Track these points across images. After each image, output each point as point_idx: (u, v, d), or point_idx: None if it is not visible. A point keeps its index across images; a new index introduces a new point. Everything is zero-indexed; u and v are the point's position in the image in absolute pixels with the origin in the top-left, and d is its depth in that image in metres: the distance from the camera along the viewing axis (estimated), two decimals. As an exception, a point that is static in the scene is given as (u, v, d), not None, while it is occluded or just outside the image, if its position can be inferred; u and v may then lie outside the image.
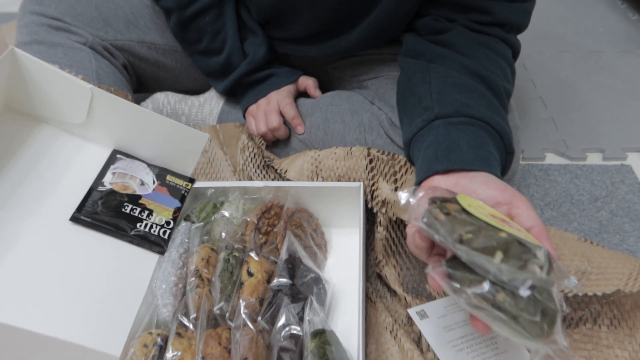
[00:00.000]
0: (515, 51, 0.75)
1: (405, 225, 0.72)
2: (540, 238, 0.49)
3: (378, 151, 0.74)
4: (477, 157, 0.58)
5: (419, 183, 0.59)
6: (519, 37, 0.76)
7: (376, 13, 0.76)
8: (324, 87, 0.93)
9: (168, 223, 0.70)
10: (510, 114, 0.81)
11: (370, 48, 0.86)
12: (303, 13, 0.79)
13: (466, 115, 0.61)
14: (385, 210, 0.70)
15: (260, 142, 0.86)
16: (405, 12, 0.76)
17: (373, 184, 0.73)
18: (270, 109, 0.87)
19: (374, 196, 0.72)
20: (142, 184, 0.73)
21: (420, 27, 0.76)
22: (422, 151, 0.62)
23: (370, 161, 0.74)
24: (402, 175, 0.72)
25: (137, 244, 0.67)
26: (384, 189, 0.71)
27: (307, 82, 0.91)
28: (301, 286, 0.64)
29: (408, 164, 0.72)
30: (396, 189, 0.72)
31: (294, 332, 0.58)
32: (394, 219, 0.69)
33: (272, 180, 0.81)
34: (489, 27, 0.71)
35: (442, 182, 0.57)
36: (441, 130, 0.61)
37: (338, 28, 0.81)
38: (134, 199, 0.71)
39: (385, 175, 0.72)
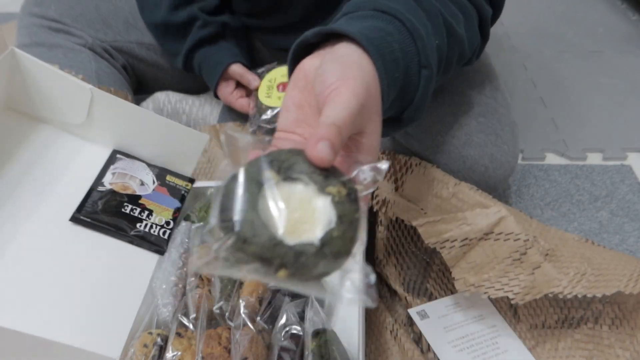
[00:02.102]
0: (481, 16, 0.63)
1: (405, 225, 0.72)
2: (322, 132, 0.37)
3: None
4: (362, 31, 0.45)
5: (290, 73, 0.48)
6: (520, 35, 0.75)
7: None
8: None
9: (168, 223, 0.70)
10: (506, 109, 0.79)
11: None
12: None
13: (371, 9, 0.50)
14: (385, 210, 0.70)
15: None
16: None
17: (373, 184, 0.73)
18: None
19: (374, 195, 0.72)
20: (142, 184, 0.73)
21: None
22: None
23: (371, 161, 0.73)
24: (402, 174, 0.72)
25: (137, 244, 0.67)
26: (384, 189, 0.71)
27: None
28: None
29: (408, 164, 0.72)
30: (397, 189, 0.72)
31: (295, 331, 0.58)
32: (394, 218, 0.69)
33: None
34: None
35: (308, 64, 0.46)
36: (340, 23, 0.50)
37: (325, 7, 0.82)
38: (134, 199, 0.71)
39: (386, 175, 0.73)
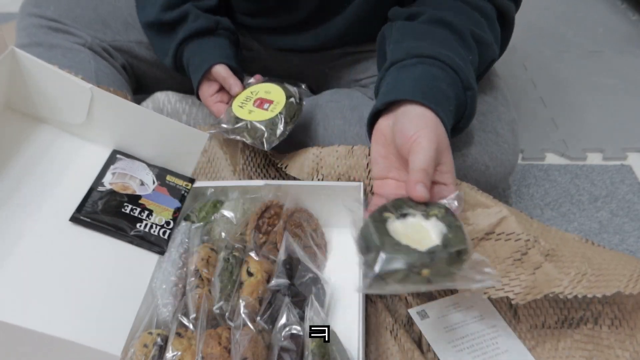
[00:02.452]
0: (503, 12, 0.72)
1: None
2: (415, 177, 0.51)
3: (378, 151, 0.74)
4: (418, 89, 0.58)
5: (369, 132, 0.61)
6: (520, 35, 0.76)
7: None
8: (323, 88, 0.93)
9: (168, 223, 0.70)
10: (506, 107, 0.80)
11: (361, 36, 0.86)
12: None
13: (416, 56, 0.62)
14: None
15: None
16: None
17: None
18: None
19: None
20: (142, 184, 0.73)
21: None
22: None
23: (371, 161, 0.74)
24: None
25: (137, 244, 0.67)
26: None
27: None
28: (300, 286, 0.64)
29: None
30: None
31: (295, 332, 0.58)
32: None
33: (273, 179, 0.81)
34: None
35: (384, 124, 0.58)
36: (393, 75, 0.62)
37: (331, 7, 0.82)
38: (134, 199, 0.71)
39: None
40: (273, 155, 0.82)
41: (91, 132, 0.75)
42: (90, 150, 0.75)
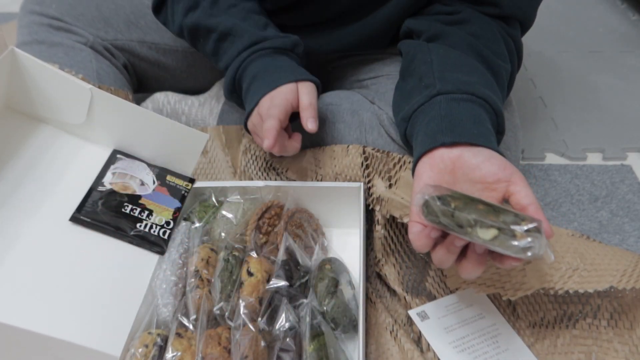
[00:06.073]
0: (517, 46, 0.75)
1: (402, 224, 0.72)
2: (537, 215, 0.50)
3: (373, 149, 0.74)
4: (480, 133, 0.60)
5: (422, 154, 0.60)
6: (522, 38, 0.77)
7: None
8: (324, 87, 0.93)
9: (168, 223, 0.70)
10: (510, 113, 0.81)
11: (378, 44, 0.85)
12: None
13: (467, 93, 0.63)
14: (380, 208, 0.70)
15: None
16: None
17: (369, 182, 0.73)
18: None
19: (370, 193, 0.72)
20: (142, 184, 0.73)
21: (429, 11, 0.77)
22: (425, 125, 0.63)
23: (366, 159, 0.74)
24: (396, 172, 0.72)
25: (137, 244, 0.67)
26: (379, 186, 0.71)
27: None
28: (299, 287, 0.64)
29: (402, 161, 0.72)
30: (390, 186, 0.72)
31: (294, 332, 0.58)
32: (388, 216, 0.69)
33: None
34: (494, 19, 0.73)
35: (445, 154, 0.58)
36: (443, 106, 0.63)
37: (359, 10, 0.81)
38: (134, 199, 0.71)
39: (380, 173, 0.73)
40: (273, 159, 0.82)
41: (91, 132, 0.75)
42: (90, 150, 0.75)
